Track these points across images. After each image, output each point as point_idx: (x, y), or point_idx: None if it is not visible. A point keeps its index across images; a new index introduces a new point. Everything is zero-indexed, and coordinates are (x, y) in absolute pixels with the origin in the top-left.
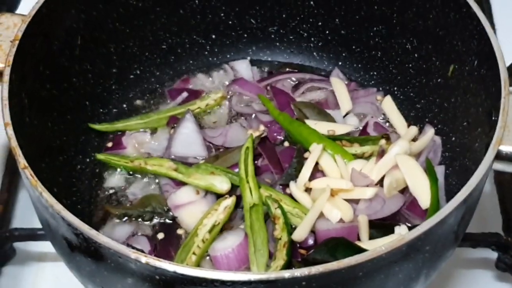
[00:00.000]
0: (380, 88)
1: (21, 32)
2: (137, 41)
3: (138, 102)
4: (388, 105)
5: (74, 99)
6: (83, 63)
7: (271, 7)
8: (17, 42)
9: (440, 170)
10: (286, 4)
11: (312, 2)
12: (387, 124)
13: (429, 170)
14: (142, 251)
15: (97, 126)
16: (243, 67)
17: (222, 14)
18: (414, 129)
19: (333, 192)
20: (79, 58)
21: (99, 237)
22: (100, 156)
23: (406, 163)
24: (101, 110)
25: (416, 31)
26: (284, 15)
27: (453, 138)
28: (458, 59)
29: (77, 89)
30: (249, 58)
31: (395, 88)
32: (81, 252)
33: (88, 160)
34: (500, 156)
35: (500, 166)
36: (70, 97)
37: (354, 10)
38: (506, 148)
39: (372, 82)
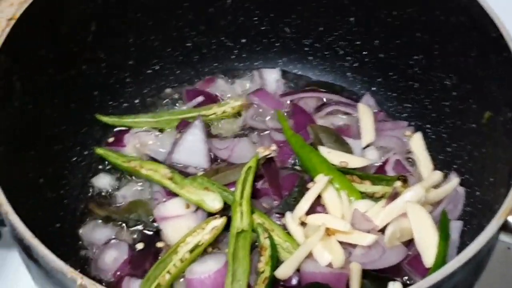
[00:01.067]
0: (412, 124)
1: (20, 12)
2: (160, 35)
3: (151, 99)
4: (417, 142)
5: (82, 87)
6: (95, 51)
7: (309, 18)
8: (13, 22)
9: (456, 226)
10: (325, 16)
11: (352, 19)
12: (410, 165)
13: (443, 224)
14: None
15: (105, 118)
16: (272, 77)
17: (255, 18)
18: (438, 174)
19: (329, 231)
20: (91, 45)
21: (39, 247)
22: (100, 151)
23: (416, 212)
24: (110, 102)
25: (456, 67)
26: (321, 28)
27: (477, 193)
28: (494, 106)
29: (87, 77)
30: (278, 68)
31: (428, 126)
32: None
33: (86, 153)
34: (509, 228)
35: (508, 239)
36: (77, 85)
37: (396, 33)
38: None
39: (404, 115)
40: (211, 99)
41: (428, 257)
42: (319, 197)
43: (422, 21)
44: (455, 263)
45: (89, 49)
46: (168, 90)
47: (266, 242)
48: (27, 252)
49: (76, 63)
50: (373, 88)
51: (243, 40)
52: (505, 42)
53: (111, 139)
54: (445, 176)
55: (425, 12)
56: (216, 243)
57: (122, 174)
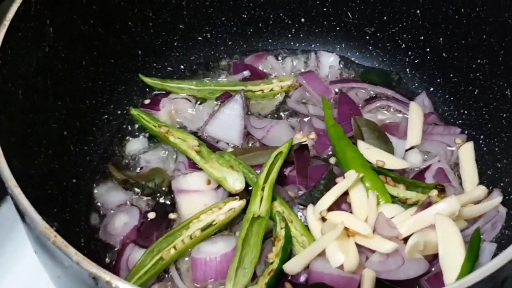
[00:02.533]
0: (465, 132)
1: None
2: (216, 2)
3: (198, 67)
4: (467, 152)
5: (126, 44)
6: (144, 9)
7: (374, 4)
8: None
9: (489, 248)
10: (390, 5)
11: (418, 12)
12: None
13: (473, 243)
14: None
15: (147, 79)
16: (329, 61)
17: None
18: (482, 190)
19: (349, 232)
20: (140, 2)
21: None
22: (134, 111)
23: (445, 226)
24: (154, 64)
25: None
26: (385, 18)
27: None
28: None
29: (132, 34)
30: (336, 54)
31: (482, 137)
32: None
33: (119, 112)
34: None
35: None
36: (121, 41)
37: (462, 32)
38: None
39: (459, 121)
40: (259, 76)
41: (449, 277)
42: (346, 194)
43: (490, 22)
44: (459, 284)
45: (137, 5)
46: (216, 61)
47: (281, 233)
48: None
49: (121, 18)
50: (431, 89)
51: (302, 19)
52: None
53: (147, 101)
54: (489, 194)
55: (494, 13)
56: (231, 225)
57: (151, 139)
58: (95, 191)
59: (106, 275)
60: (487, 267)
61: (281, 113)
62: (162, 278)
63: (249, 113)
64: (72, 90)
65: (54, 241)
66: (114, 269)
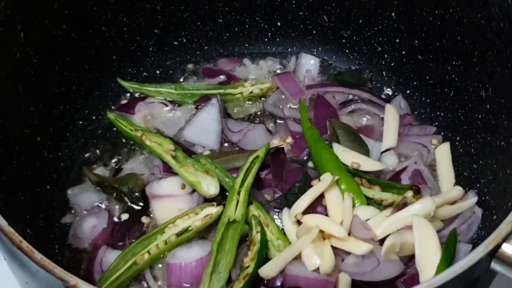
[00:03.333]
0: (441, 133)
1: None
2: (191, 6)
3: (173, 72)
4: (443, 152)
5: (99, 49)
6: (118, 13)
7: (349, 8)
8: None
9: (465, 249)
10: (366, 9)
11: (393, 14)
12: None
13: (449, 244)
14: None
15: (125, 83)
16: (309, 63)
17: (293, 1)
18: (458, 190)
19: (324, 235)
20: (114, 6)
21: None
22: (110, 115)
23: (422, 228)
24: (129, 69)
25: (492, 78)
26: (361, 21)
27: (495, 217)
28: None
29: (106, 39)
30: (317, 57)
31: (458, 138)
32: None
33: (94, 117)
34: (501, 257)
35: (499, 267)
36: (94, 46)
37: (437, 34)
38: (510, 250)
39: (436, 123)
40: (234, 79)
41: (425, 277)
42: (322, 196)
43: (463, 24)
44: (428, 284)
45: (111, 10)
46: (192, 66)
47: (257, 237)
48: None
49: (95, 23)
50: (408, 91)
51: (279, 23)
52: None
53: (124, 101)
54: (465, 195)
55: (467, 15)
56: (207, 230)
57: (127, 145)
58: (69, 191)
59: (72, 279)
60: (458, 266)
61: (259, 116)
62: (139, 280)
63: (225, 117)
64: (45, 95)
65: (20, 246)
66: (88, 272)
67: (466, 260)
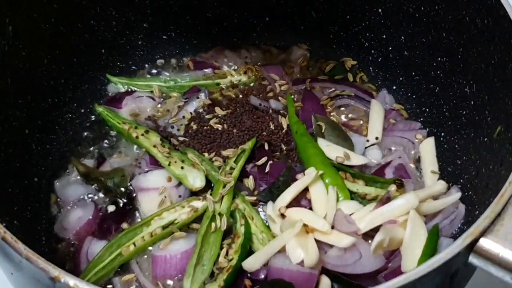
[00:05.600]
0: (426, 129)
1: None
2: (180, 1)
3: (162, 65)
4: (428, 147)
5: (88, 43)
6: (107, 7)
7: (337, 4)
8: None
9: (446, 243)
10: (353, 5)
11: (380, 10)
12: (415, 172)
13: (430, 239)
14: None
15: (114, 78)
16: (297, 54)
17: None
18: (441, 185)
19: (308, 228)
20: (103, 0)
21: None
22: (99, 108)
23: (416, 223)
24: (118, 63)
25: (476, 75)
26: (348, 17)
27: (477, 212)
28: (507, 121)
29: (95, 33)
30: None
31: (442, 134)
32: None
33: (82, 110)
34: (479, 251)
35: (477, 261)
36: (83, 40)
37: (423, 30)
38: (488, 244)
39: (421, 119)
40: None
41: (408, 266)
42: (307, 190)
43: (448, 20)
44: (406, 277)
45: (99, 4)
46: (180, 59)
47: (241, 230)
48: None
49: (84, 17)
50: (394, 87)
51: (267, 18)
52: None
53: (111, 95)
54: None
55: (452, 12)
56: (192, 224)
57: (115, 139)
58: (56, 183)
59: (55, 270)
60: (436, 259)
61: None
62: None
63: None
64: (34, 88)
65: (4, 237)
66: (74, 263)
67: (444, 254)
